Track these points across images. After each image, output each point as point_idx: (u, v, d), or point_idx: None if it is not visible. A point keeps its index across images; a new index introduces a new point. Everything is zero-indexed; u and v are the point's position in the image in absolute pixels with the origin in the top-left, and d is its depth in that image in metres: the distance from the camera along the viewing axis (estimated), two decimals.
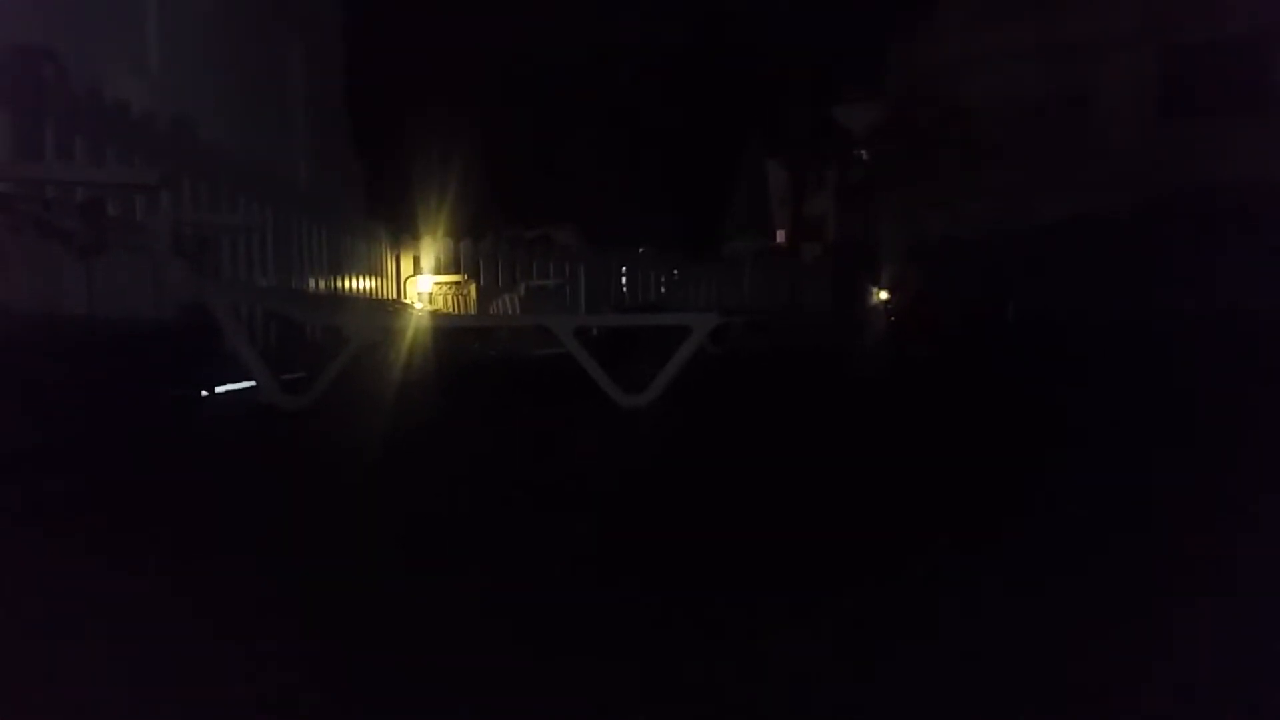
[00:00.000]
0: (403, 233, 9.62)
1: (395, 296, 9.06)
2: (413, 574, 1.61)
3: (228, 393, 4.23)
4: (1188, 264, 10.81)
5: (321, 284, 7.11)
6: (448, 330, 6.17)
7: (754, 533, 1.87)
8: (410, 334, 4.69)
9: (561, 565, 1.66)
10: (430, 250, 9.79)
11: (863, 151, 24.64)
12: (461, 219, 10.83)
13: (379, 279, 8.76)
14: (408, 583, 1.56)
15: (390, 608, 1.44)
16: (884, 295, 17.46)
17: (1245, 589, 1.47)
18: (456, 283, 9.36)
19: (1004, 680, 1.15)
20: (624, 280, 13.44)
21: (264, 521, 1.99)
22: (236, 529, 1.93)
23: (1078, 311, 10.45)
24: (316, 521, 1.98)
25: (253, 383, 3.95)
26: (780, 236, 28.51)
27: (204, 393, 3.92)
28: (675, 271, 14.44)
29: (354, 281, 8.00)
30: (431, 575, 1.60)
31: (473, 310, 9.18)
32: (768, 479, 2.45)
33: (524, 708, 1.10)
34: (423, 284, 9.25)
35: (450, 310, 8.88)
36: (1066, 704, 1.09)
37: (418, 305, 8.64)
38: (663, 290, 13.94)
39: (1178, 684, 1.13)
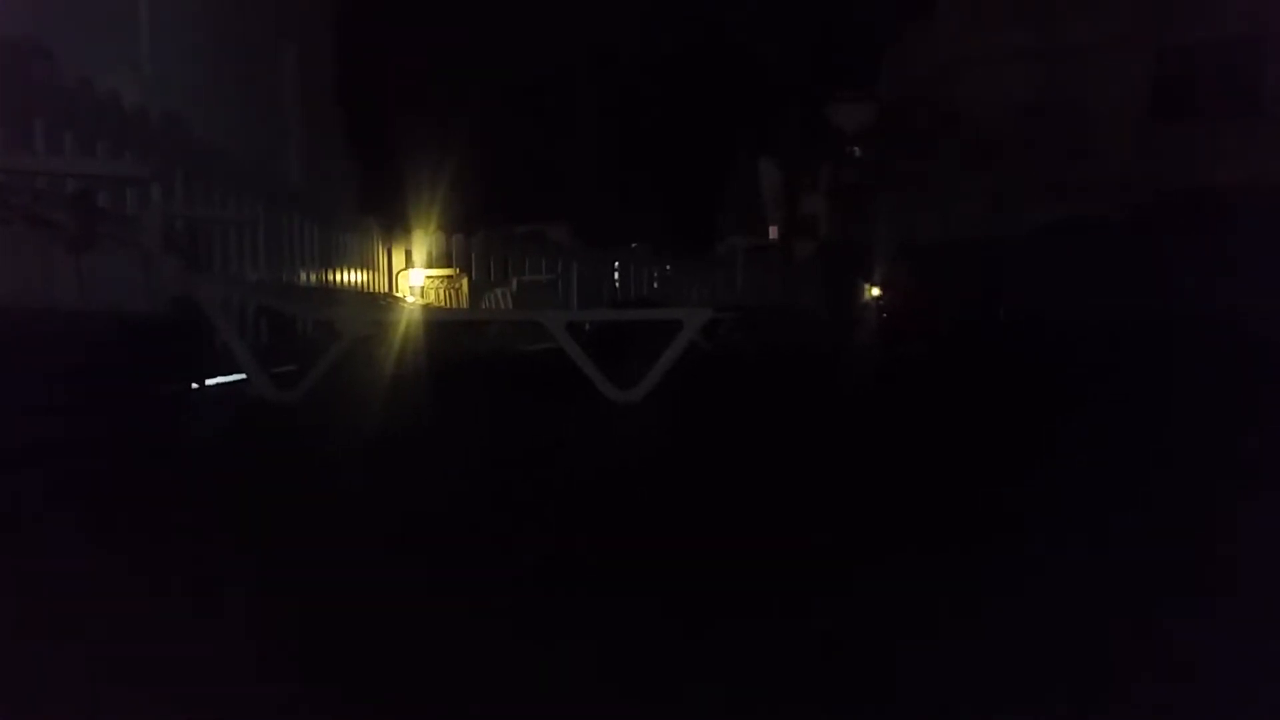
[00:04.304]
0: (395, 227, 9.60)
1: (387, 290, 9.04)
2: (404, 571, 1.61)
3: (219, 387, 4.22)
4: (1181, 265, 10.85)
5: (313, 278, 7.09)
6: (440, 325, 6.16)
7: (746, 530, 1.88)
8: (402, 328, 4.69)
9: (553, 563, 1.66)
10: (422, 244, 9.77)
11: (857, 150, 24.67)
12: (454, 213, 10.81)
13: (371, 273, 8.74)
14: (399, 580, 1.56)
15: (382, 605, 1.44)
16: (876, 293, 17.48)
17: (1243, 590, 1.48)
18: (449, 277, 9.35)
19: (1000, 680, 1.16)
20: (616, 276, 13.44)
21: (255, 516, 1.99)
22: (227, 524, 1.93)
23: (1071, 313, 10.47)
24: (308, 516, 1.98)
25: (244, 377, 3.94)
26: (774, 234, 28.54)
27: (195, 387, 3.91)
28: (668, 268, 14.45)
29: (345, 275, 7.99)
30: (423, 572, 1.61)
31: (465, 305, 9.17)
32: (759, 475, 2.45)
33: (519, 710, 1.10)
34: (415, 278, 9.23)
35: (442, 305, 8.86)
36: (1058, 706, 1.10)
37: (410, 299, 8.63)
38: (655, 286, 13.96)
39: (1177, 684, 1.14)
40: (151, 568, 1.61)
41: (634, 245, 14.82)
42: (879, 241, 19.15)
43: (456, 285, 9.23)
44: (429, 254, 9.78)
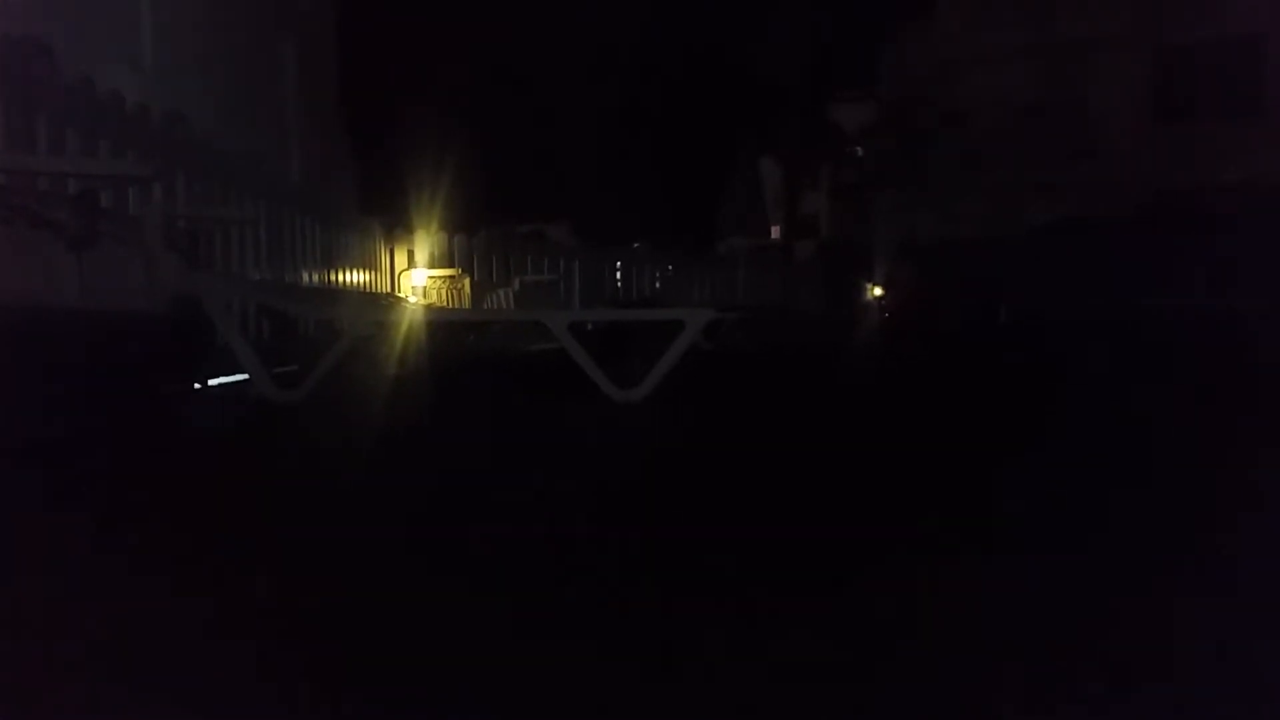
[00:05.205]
0: (396, 226, 9.61)
1: (389, 290, 9.05)
2: (406, 571, 1.61)
3: (221, 386, 4.22)
4: (1181, 265, 10.86)
5: (315, 278, 7.09)
6: (442, 325, 6.16)
7: (749, 529, 1.87)
8: (404, 328, 4.69)
9: (554, 562, 1.66)
10: (424, 244, 9.78)
11: (858, 150, 24.69)
12: (456, 213, 10.82)
13: (373, 273, 8.75)
14: (401, 580, 1.56)
15: (384, 606, 1.44)
16: (878, 293, 17.50)
17: (1242, 589, 1.48)
18: (451, 277, 9.35)
19: (1001, 679, 1.16)
20: (618, 276, 13.46)
21: (257, 517, 1.99)
22: (229, 524, 1.93)
23: (1071, 312, 10.47)
24: (310, 517, 1.98)
25: (246, 376, 3.94)
26: (775, 234, 28.56)
27: (197, 386, 3.91)
28: (669, 267, 14.46)
29: (347, 275, 7.99)
30: (424, 573, 1.61)
31: (467, 305, 9.17)
32: (761, 475, 2.45)
33: (522, 710, 1.10)
34: (417, 278, 9.24)
35: (444, 304, 8.87)
36: (1059, 705, 1.10)
37: (411, 299, 8.63)
38: (657, 286, 13.96)
39: (1179, 683, 1.14)
40: (152, 567, 1.61)
41: (635, 245, 14.83)
42: (879, 241, 19.17)
43: (458, 285, 9.24)
44: (431, 254, 9.79)
